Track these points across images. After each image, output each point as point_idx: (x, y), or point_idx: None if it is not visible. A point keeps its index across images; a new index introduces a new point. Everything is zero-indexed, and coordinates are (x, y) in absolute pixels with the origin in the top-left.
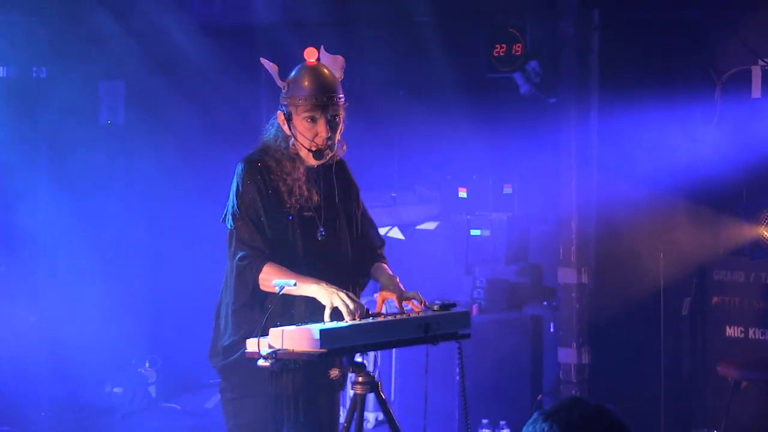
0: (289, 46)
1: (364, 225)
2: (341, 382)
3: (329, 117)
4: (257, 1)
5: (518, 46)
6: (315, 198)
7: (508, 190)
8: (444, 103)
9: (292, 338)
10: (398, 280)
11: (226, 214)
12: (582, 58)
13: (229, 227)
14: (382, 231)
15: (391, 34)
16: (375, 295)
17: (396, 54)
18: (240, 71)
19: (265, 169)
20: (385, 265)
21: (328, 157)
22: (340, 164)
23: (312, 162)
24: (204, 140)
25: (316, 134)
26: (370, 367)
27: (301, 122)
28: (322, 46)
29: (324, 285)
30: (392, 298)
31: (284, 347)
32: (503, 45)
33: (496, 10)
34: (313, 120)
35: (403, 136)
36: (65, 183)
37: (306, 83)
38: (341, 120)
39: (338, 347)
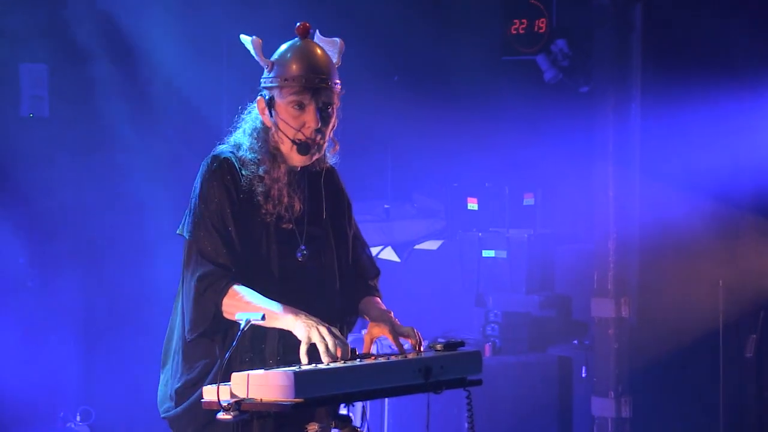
0: (255, 21)
1: (356, 249)
2: None
3: (321, 105)
4: None
5: (542, 22)
6: (297, 207)
7: (529, 200)
8: (449, 92)
9: (260, 385)
10: (392, 314)
11: (184, 223)
12: (621, 36)
13: (187, 238)
14: (372, 252)
15: (383, 8)
16: (363, 331)
17: (390, 32)
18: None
19: (236, 167)
20: (379, 299)
21: (315, 158)
22: (331, 172)
23: (296, 160)
24: (153, 141)
25: (303, 124)
26: (357, 421)
27: (285, 108)
28: (317, 31)
29: (303, 317)
30: (385, 335)
31: (250, 396)
32: (523, 20)
33: None
34: (301, 106)
35: (398, 134)
36: None
37: (294, 61)
38: (335, 111)
39: (318, 396)
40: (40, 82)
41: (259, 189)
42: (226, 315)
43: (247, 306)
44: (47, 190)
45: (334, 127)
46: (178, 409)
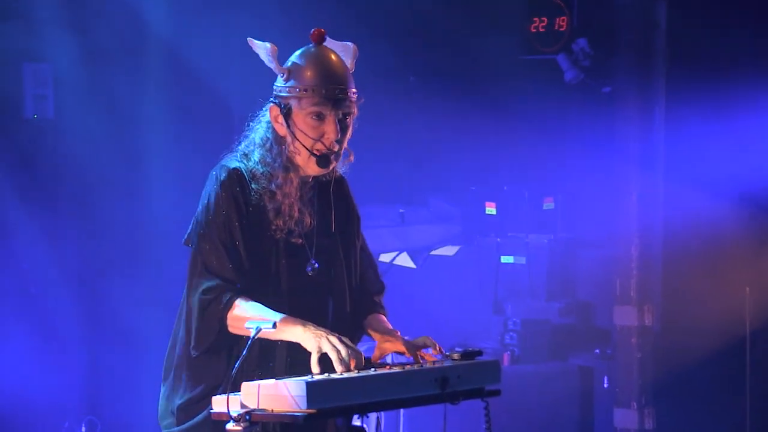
0: (272, 20)
1: (362, 263)
2: None
3: (340, 115)
4: None
5: (563, 20)
6: (308, 221)
7: (549, 205)
8: (466, 93)
9: (271, 395)
10: (399, 333)
11: (190, 234)
12: (644, 35)
13: (193, 250)
14: (386, 258)
15: (398, 7)
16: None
17: (406, 32)
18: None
19: (246, 178)
20: (384, 317)
21: (331, 167)
22: (340, 183)
23: (311, 171)
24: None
25: (323, 135)
26: None
27: (304, 119)
28: (326, 35)
29: (311, 327)
30: (398, 349)
31: (261, 407)
32: (543, 18)
33: None
34: (320, 117)
35: (413, 136)
36: None
37: (314, 70)
38: (352, 122)
39: (331, 407)
40: (44, 81)
41: (270, 204)
42: (231, 329)
43: (253, 318)
44: (50, 193)
45: (349, 136)
46: (181, 427)
